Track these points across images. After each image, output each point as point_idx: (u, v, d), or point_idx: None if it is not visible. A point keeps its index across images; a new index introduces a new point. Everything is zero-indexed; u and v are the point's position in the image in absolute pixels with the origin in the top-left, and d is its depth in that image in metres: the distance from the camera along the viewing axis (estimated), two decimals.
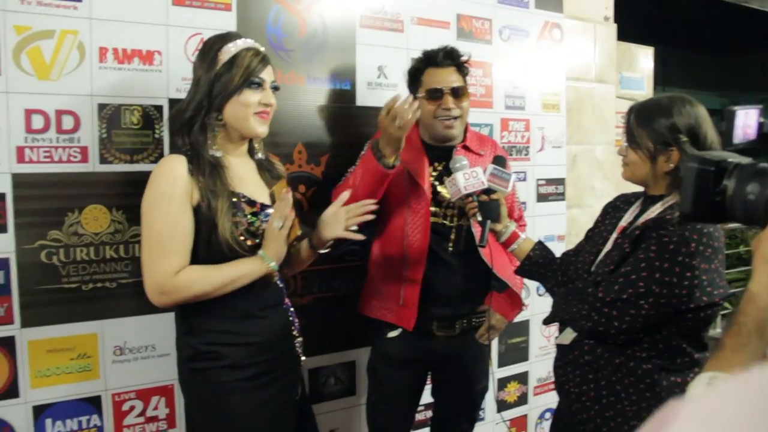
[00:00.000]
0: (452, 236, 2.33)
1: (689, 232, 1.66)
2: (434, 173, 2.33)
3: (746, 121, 1.17)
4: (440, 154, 2.34)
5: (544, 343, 3.29)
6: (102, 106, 2.05)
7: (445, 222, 2.33)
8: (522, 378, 3.22)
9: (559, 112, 3.25)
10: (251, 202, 1.84)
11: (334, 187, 2.30)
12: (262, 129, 1.86)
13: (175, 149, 1.86)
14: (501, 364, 3.06)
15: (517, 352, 3.18)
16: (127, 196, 2.09)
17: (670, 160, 1.77)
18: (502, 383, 3.10)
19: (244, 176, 1.88)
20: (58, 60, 1.99)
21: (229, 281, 1.77)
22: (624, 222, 1.91)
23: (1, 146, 1.93)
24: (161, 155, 2.13)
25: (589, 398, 1.82)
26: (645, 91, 3.95)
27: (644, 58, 3.95)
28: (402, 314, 2.32)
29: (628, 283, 1.70)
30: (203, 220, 1.75)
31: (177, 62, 2.16)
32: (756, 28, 10.45)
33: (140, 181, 2.08)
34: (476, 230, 2.28)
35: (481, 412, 2.89)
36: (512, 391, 3.17)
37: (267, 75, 1.85)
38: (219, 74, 1.79)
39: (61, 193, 2.01)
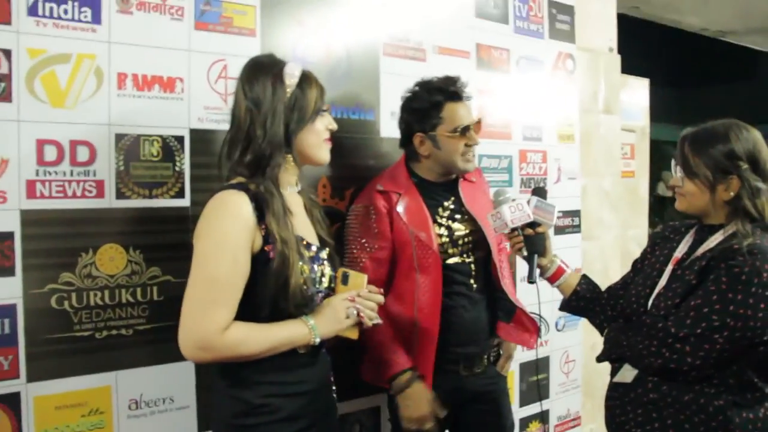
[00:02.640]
0: (473, 272, 2.24)
1: (760, 261, 1.60)
2: (446, 213, 2.23)
3: None
4: (445, 189, 2.25)
5: (563, 380, 3.20)
6: (120, 137, 1.91)
7: (464, 259, 2.22)
8: (543, 416, 3.12)
9: (574, 143, 3.22)
10: (308, 246, 1.72)
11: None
12: (328, 155, 1.79)
13: (225, 185, 1.66)
14: (522, 403, 2.95)
15: (537, 390, 3.07)
16: (145, 234, 1.95)
17: (730, 189, 1.71)
18: (524, 423, 2.99)
19: (297, 213, 1.73)
20: (74, 86, 1.85)
21: (274, 346, 1.61)
22: (679, 253, 1.84)
23: (10, 180, 1.77)
24: (182, 189, 2.01)
25: None
26: (642, 122, 3.96)
27: (641, 89, 3.96)
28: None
29: (700, 317, 1.61)
30: (272, 273, 1.59)
31: (199, 90, 2.05)
32: (716, 61, 10.79)
33: (159, 217, 1.97)
34: (497, 259, 2.23)
35: None
36: (534, 430, 3.06)
37: (326, 100, 1.78)
38: (292, 103, 1.67)
39: (75, 231, 1.85)
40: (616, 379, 1.83)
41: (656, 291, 1.81)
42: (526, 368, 2.94)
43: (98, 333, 1.89)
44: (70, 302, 1.84)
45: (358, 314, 1.72)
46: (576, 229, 3.24)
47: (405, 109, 2.22)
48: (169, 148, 2.00)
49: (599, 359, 1.91)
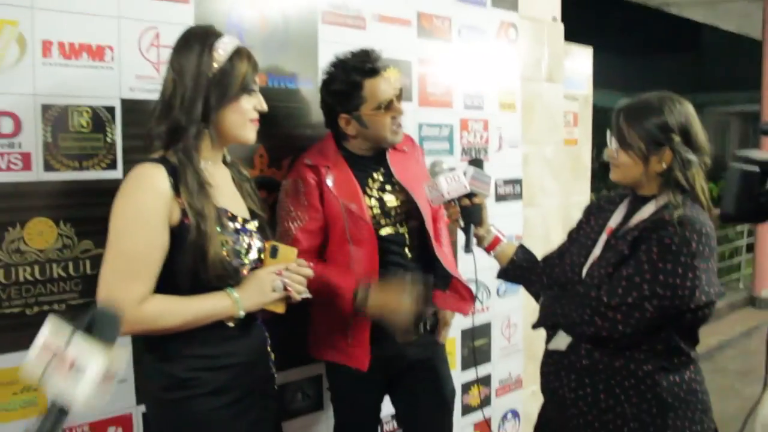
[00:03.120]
0: (407, 241, 2.24)
1: (689, 232, 1.64)
2: (375, 184, 2.22)
3: None
4: (373, 161, 2.24)
5: (504, 344, 3.26)
6: (46, 107, 1.83)
7: (397, 229, 2.23)
8: (485, 380, 3.18)
9: (515, 111, 3.23)
10: (233, 218, 1.70)
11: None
12: (253, 135, 1.75)
13: (145, 157, 1.65)
14: (464, 367, 3.00)
15: (479, 355, 3.14)
16: (76, 207, 1.88)
17: (662, 160, 1.74)
18: (466, 387, 3.04)
19: (222, 186, 1.72)
20: None
21: (195, 318, 1.61)
22: (613, 223, 1.87)
23: None
24: (114, 161, 1.94)
25: (587, 403, 1.77)
26: (585, 90, 3.99)
27: (584, 57, 3.99)
28: (352, 354, 2.18)
29: (632, 287, 1.66)
30: (189, 247, 1.57)
31: (130, 59, 1.97)
32: (660, 32, 10.97)
33: (90, 190, 1.90)
34: (431, 228, 2.23)
35: None
36: (475, 394, 3.12)
37: (257, 78, 1.73)
38: (217, 78, 1.63)
39: (1, 205, 1.78)
40: (551, 346, 1.87)
41: (590, 260, 1.85)
42: (467, 334, 2.99)
43: (29, 309, 1.83)
44: None
45: (286, 288, 1.71)
46: (517, 196, 3.27)
47: (324, 91, 2.18)
48: (100, 118, 1.92)
49: (534, 326, 1.94)
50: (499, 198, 3.17)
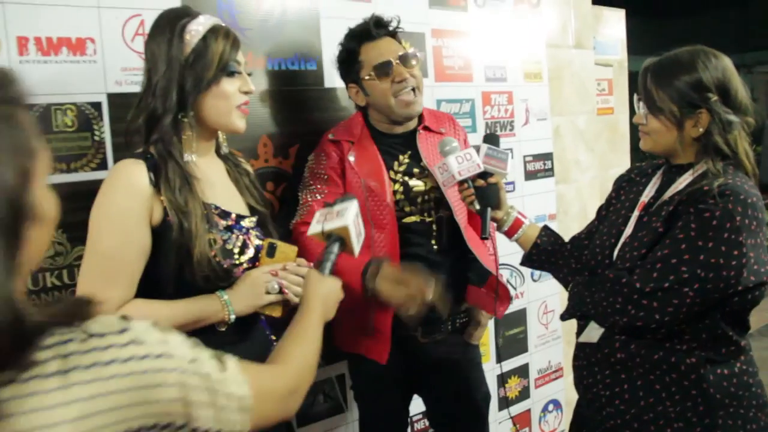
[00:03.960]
0: (434, 232, 2.07)
1: (732, 203, 1.45)
2: (401, 168, 2.06)
3: None
4: (401, 142, 2.08)
5: (542, 332, 3.09)
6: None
7: (423, 218, 2.06)
8: (523, 371, 3.02)
9: (542, 82, 3.03)
10: (225, 214, 1.56)
11: (295, 224, 2.00)
12: (243, 124, 1.60)
13: (129, 153, 1.54)
14: (499, 359, 2.83)
15: (515, 344, 2.97)
16: (66, 212, 1.69)
17: (699, 124, 1.55)
18: (503, 379, 2.88)
19: (213, 181, 1.59)
20: None
21: (180, 323, 1.44)
22: (645, 197, 1.68)
23: None
24: (104, 161, 1.83)
25: (624, 401, 1.61)
26: (620, 55, 3.75)
27: (616, 21, 3.74)
28: (371, 347, 2.04)
29: (668, 269, 1.47)
30: (172, 246, 1.45)
31: (114, 50, 1.85)
32: None
33: (81, 192, 1.77)
34: (459, 219, 2.05)
35: None
36: (513, 386, 2.96)
37: (241, 57, 1.58)
38: (189, 62, 1.50)
39: None
40: (581, 339, 1.71)
41: (621, 240, 1.66)
42: (501, 323, 2.83)
43: None
44: None
45: (282, 290, 1.56)
46: (548, 172, 3.07)
47: (336, 64, 2.09)
48: (85, 116, 1.81)
49: (563, 317, 1.77)
50: (529, 175, 2.98)
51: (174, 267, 1.47)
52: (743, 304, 1.51)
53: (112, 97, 1.84)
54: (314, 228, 1.52)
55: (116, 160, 1.83)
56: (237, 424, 0.93)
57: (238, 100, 1.57)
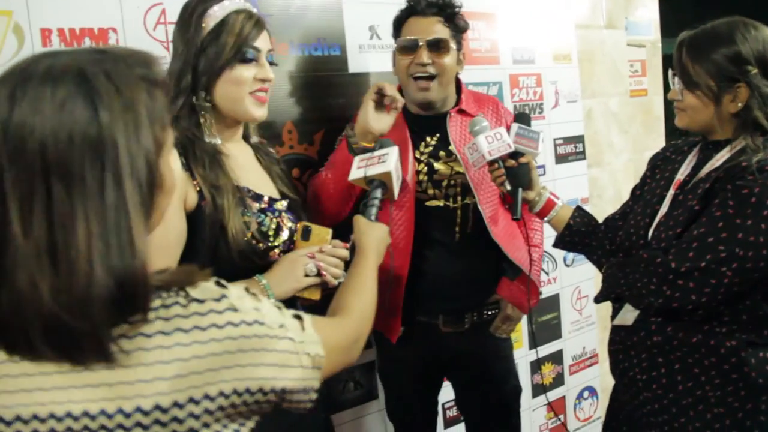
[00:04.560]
0: (458, 219, 2.03)
1: None
2: (427, 149, 2.02)
3: None
4: (432, 123, 2.03)
5: (576, 318, 3.03)
6: None
7: (448, 204, 2.02)
8: (557, 357, 2.96)
9: (572, 63, 2.95)
10: (257, 197, 1.54)
11: (311, 180, 1.99)
12: (260, 112, 1.55)
13: None
14: (532, 346, 2.79)
15: (548, 331, 2.92)
16: None
17: (737, 99, 1.48)
18: (536, 366, 2.83)
19: (244, 165, 1.57)
20: None
21: None
22: (681, 175, 1.63)
23: None
24: None
25: (661, 385, 1.56)
26: (653, 36, 3.64)
27: (649, 1, 3.63)
28: (385, 323, 2.02)
29: (705, 248, 1.41)
30: (206, 223, 1.44)
31: (136, 40, 1.83)
32: None
33: None
34: (484, 208, 1.99)
35: None
36: (547, 372, 2.91)
37: (263, 43, 1.53)
38: (204, 45, 1.48)
39: None
40: (616, 321, 1.66)
41: (657, 220, 1.61)
42: (534, 308, 2.77)
43: None
44: None
45: (320, 272, 1.54)
46: (580, 155, 3.00)
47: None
48: None
49: (597, 300, 1.73)
50: (560, 158, 2.91)
51: (209, 245, 1.45)
52: None
53: None
54: (356, 173, 1.58)
55: None
56: (312, 381, 0.99)
57: (251, 87, 1.52)
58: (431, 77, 1.94)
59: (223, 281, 0.92)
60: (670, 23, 3.87)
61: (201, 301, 0.86)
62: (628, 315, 1.61)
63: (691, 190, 1.54)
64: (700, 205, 1.48)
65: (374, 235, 1.46)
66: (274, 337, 0.91)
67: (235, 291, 0.91)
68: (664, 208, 1.61)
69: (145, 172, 0.82)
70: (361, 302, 1.27)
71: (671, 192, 1.61)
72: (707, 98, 1.50)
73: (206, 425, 0.84)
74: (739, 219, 1.39)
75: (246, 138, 1.68)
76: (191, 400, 0.82)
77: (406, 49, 1.95)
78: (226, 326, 0.85)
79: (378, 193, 1.56)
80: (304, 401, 0.99)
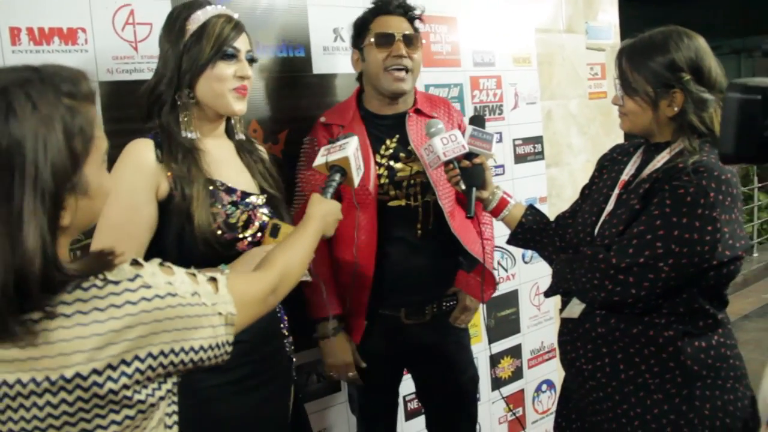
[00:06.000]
0: (420, 217, 2.12)
1: (706, 180, 1.48)
2: (387, 152, 2.10)
3: None
4: (390, 124, 2.12)
5: (534, 313, 3.13)
6: None
7: (409, 203, 2.10)
8: (515, 351, 3.05)
9: (531, 66, 3.05)
10: (230, 190, 1.64)
11: (294, 215, 2.00)
12: (239, 106, 1.67)
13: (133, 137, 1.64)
14: (492, 340, 2.87)
15: (507, 325, 3.01)
16: None
17: (674, 104, 1.57)
18: (495, 360, 2.92)
19: (221, 160, 1.68)
20: None
21: None
22: (626, 175, 1.72)
23: None
24: None
25: (605, 374, 1.64)
26: (612, 40, 3.76)
27: (609, 5, 3.74)
28: (347, 324, 2.12)
29: (643, 245, 1.50)
30: (175, 212, 1.56)
31: (105, 40, 1.88)
32: None
33: None
34: (444, 204, 2.08)
35: None
36: (506, 366, 3.00)
37: (242, 44, 1.66)
38: (187, 46, 1.60)
39: None
40: (564, 314, 1.74)
41: (602, 218, 1.70)
42: (493, 304, 2.87)
43: None
44: None
45: None
46: (539, 156, 3.10)
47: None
48: None
49: (547, 294, 1.81)
50: (519, 158, 3.01)
51: (176, 232, 1.56)
52: (719, 278, 1.54)
53: (104, 86, 1.87)
54: (319, 160, 1.69)
55: (111, 146, 1.84)
56: (225, 336, 1.12)
57: (233, 84, 1.63)
58: (406, 70, 2.04)
59: (140, 260, 1.04)
60: (630, 28, 3.99)
61: (116, 283, 0.97)
62: (575, 308, 1.69)
63: (634, 189, 1.62)
64: (640, 204, 1.57)
65: (323, 207, 1.58)
66: (186, 305, 1.04)
67: (150, 268, 1.03)
68: (609, 207, 1.69)
69: (50, 183, 0.93)
70: (287, 257, 1.37)
71: (616, 191, 1.70)
72: (646, 103, 1.59)
73: (126, 387, 0.97)
74: (675, 217, 1.48)
75: (229, 134, 1.77)
76: (109, 366, 0.95)
77: (383, 42, 2.04)
78: (140, 302, 0.98)
79: (336, 177, 1.67)
80: (220, 354, 1.12)
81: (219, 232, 1.57)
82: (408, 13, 2.10)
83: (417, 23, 2.13)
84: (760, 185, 7.45)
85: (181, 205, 1.55)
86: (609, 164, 1.83)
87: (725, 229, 1.48)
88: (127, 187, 1.53)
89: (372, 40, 2.05)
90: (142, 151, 1.57)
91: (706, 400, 1.55)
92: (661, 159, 1.62)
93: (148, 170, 1.56)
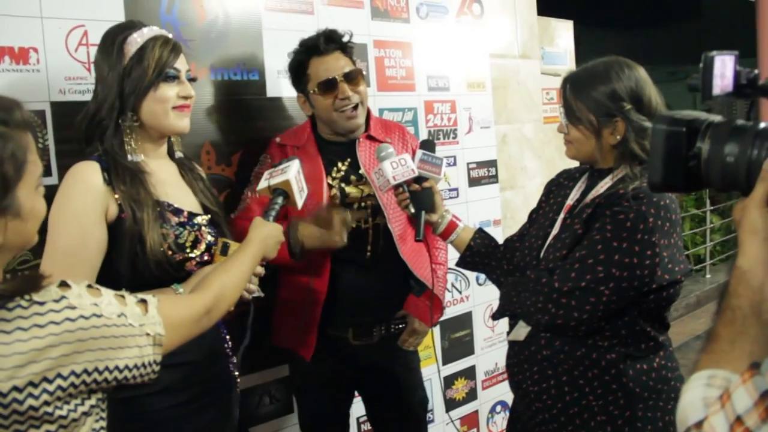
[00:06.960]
0: (370, 239, 2.15)
1: (645, 206, 1.53)
2: (339, 174, 2.13)
3: (723, 70, 1.01)
4: (342, 149, 2.15)
5: (488, 334, 3.15)
6: None
7: (360, 224, 2.12)
8: (469, 373, 3.07)
9: (485, 91, 3.11)
10: (177, 211, 1.65)
11: (234, 218, 2.05)
12: (183, 123, 1.68)
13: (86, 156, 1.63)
14: (446, 361, 2.90)
15: (461, 347, 3.03)
16: None
17: (616, 132, 1.62)
18: (449, 381, 2.94)
19: (166, 180, 1.68)
20: None
21: None
22: (571, 200, 1.76)
23: None
24: (48, 167, 1.85)
25: (551, 396, 1.67)
26: (568, 65, 3.85)
27: (564, 32, 3.85)
28: (300, 342, 2.13)
29: (585, 269, 1.54)
30: (126, 235, 1.55)
31: (58, 60, 1.88)
32: (663, 4, 10.66)
33: None
34: (393, 227, 2.11)
35: (429, 414, 2.70)
36: (460, 387, 3.02)
37: (181, 64, 1.67)
38: (128, 70, 1.60)
39: None
40: (510, 337, 1.77)
41: (548, 242, 1.74)
42: (447, 325, 2.89)
43: None
44: None
45: None
46: (493, 179, 3.15)
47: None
48: None
49: (494, 317, 1.85)
50: (473, 182, 3.05)
51: (128, 256, 1.55)
52: (659, 301, 1.59)
53: (56, 106, 1.87)
54: (262, 184, 1.71)
55: (60, 167, 1.86)
56: (152, 356, 1.15)
57: (175, 104, 1.64)
58: (355, 106, 2.06)
59: (69, 281, 1.07)
60: (586, 54, 4.10)
61: (41, 303, 1.00)
62: (521, 331, 1.72)
63: (577, 214, 1.67)
64: (582, 229, 1.61)
65: (263, 231, 1.59)
66: (111, 326, 1.07)
67: (77, 290, 1.06)
68: (554, 231, 1.73)
69: None
70: (223, 280, 1.40)
71: (561, 216, 1.74)
72: (589, 132, 1.64)
73: (47, 403, 0.99)
74: (615, 242, 1.52)
75: (171, 155, 1.77)
76: (30, 384, 0.98)
77: (326, 89, 2.04)
78: (64, 322, 1.01)
79: (279, 200, 1.70)
80: (147, 374, 1.15)
81: (170, 252, 1.58)
82: (340, 45, 2.10)
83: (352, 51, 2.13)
84: (712, 208, 7.63)
85: (133, 229, 1.55)
86: (556, 189, 1.87)
87: (664, 253, 1.52)
88: (77, 210, 1.53)
89: (315, 89, 2.06)
90: (88, 174, 1.56)
91: (648, 421, 1.59)
92: (603, 185, 1.66)
93: (96, 193, 1.55)
